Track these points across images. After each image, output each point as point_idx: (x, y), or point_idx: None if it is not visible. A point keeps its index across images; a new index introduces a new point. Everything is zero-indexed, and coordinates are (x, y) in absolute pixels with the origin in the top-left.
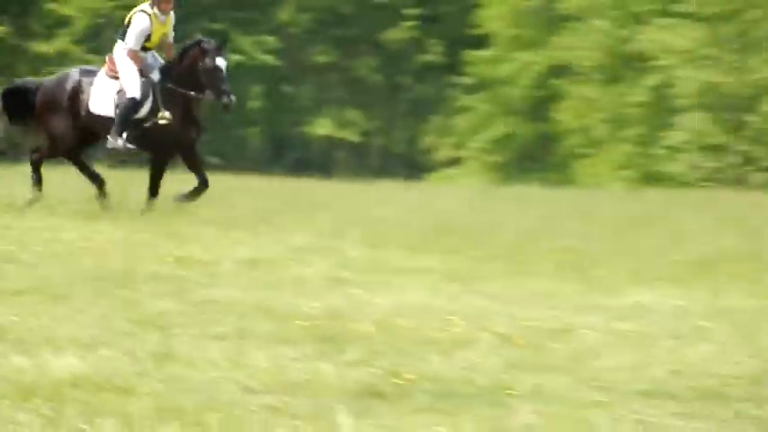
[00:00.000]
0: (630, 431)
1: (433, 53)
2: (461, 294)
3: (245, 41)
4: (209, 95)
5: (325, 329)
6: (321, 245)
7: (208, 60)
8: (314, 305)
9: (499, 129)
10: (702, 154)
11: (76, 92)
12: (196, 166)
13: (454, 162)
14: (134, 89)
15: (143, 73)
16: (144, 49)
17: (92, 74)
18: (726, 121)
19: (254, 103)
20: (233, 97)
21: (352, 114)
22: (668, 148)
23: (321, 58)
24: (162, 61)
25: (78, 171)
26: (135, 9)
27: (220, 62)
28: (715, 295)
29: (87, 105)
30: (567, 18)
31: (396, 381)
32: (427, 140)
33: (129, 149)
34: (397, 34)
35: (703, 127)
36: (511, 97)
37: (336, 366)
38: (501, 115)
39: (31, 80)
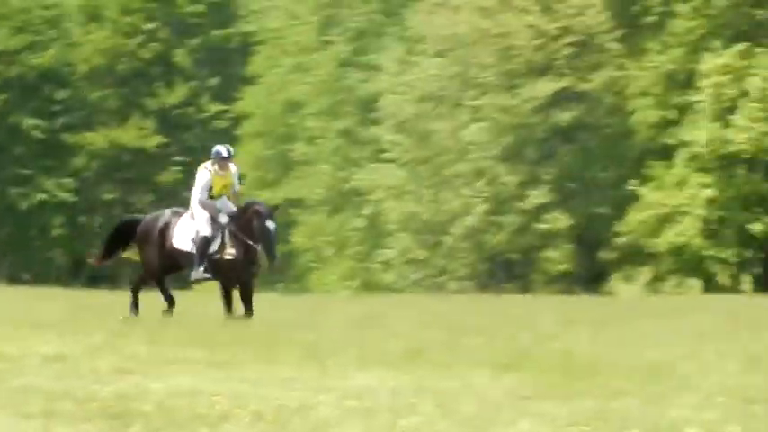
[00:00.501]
0: None
1: None
2: (223, 379)
3: (48, 183)
4: (261, 249)
5: (115, 409)
6: (111, 342)
7: (260, 223)
8: (106, 390)
9: None
10: (408, 267)
11: (166, 229)
12: (247, 298)
13: None
14: (205, 229)
15: (213, 218)
16: (212, 197)
17: (179, 215)
18: (425, 240)
19: (57, 231)
20: (278, 257)
21: None
22: (382, 262)
23: (108, 196)
24: (231, 207)
25: (160, 291)
26: (200, 166)
27: (270, 225)
28: (421, 378)
29: (172, 241)
30: (299, 162)
31: None
32: None
33: (206, 278)
34: (167, 176)
35: (408, 246)
36: None
37: None
38: None
39: (138, 215)
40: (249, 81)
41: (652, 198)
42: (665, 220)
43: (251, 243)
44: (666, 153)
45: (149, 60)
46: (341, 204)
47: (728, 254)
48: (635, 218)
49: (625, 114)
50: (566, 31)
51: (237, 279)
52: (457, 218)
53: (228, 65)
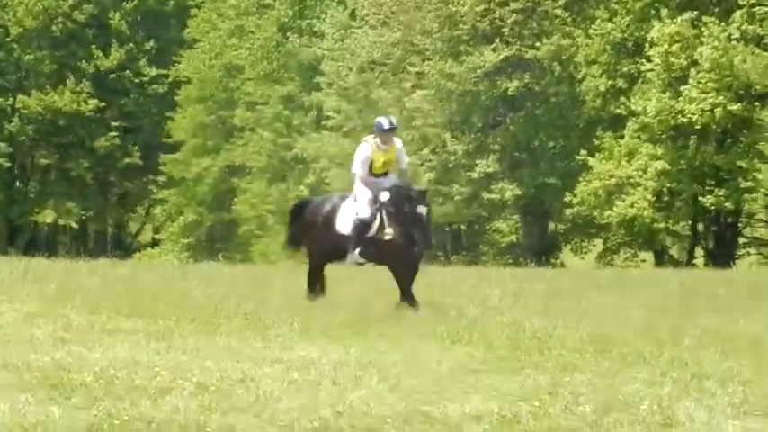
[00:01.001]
0: None
1: (134, 156)
2: (164, 350)
3: None
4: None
5: (54, 379)
6: (48, 311)
7: (412, 208)
8: (44, 359)
9: (190, 216)
10: None
11: (332, 213)
12: (406, 283)
13: (155, 243)
14: (364, 211)
15: (375, 197)
16: (375, 174)
17: (344, 198)
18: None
19: None
20: (432, 242)
21: (72, 205)
22: None
23: (44, 161)
24: (397, 183)
25: (312, 278)
26: (362, 139)
27: (421, 210)
28: (367, 350)
29: (336, 226)
30: (239, 129)
31: (114, 421)
32: (133, 226)
33: (360, 263)
34: (105, 142)
35: None
36: (198, 192)
37: (65, 409)
38: (191, 206)
39: (309, 198)
40: (187, 45)
41: (602, 169)
42: (616, 192)
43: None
44: (616, 123)
45: (84, 23)
46: (283, 172)
47: (680, 226)
48: (585, 189)
49: (573, 83)
50: None
51: (399, 260)
52: None
53: (165, 28)
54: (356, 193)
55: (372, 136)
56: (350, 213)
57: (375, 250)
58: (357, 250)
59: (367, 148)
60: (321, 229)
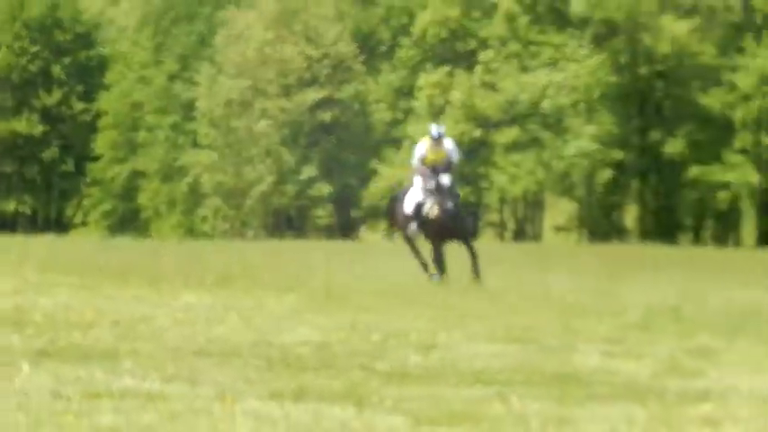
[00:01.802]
0: (186, 374)
1: (69, 165)
2: (90, 297)
3: None
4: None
5: (14, 318)
6: (10, 271)
7: (436, 179)
8: (7, 304)
9: (108, 206)
10: (219, 221)
11: (402, 198)
12: (472, 256)
13: (84, 224)
14: (417, 195)
15: (427, 184)
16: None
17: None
18: (231, 202)
19: None
20: (450, 209)
21: (27, 198)
22: (201, 217)
23: (8, 168)
24: (444, 175)
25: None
26: (421, 139)
27: (444, 180)
28: (228, 298)
29: (404, 207)
30: (142, 145)
31: (56, 346)
32: (69, 212)
33: (417, 234)
34: (49, 155)
35: (219, 205)
36: (113, 188)
37: (22, 338)
38: (108, 198)
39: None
40: (106, 88)
41: (387, 173)
42: (396, 188)
43: (449, 204)
44: (396, 142)
45: (35, 72)
46: (171, 175)
47: None
48: (375, 187)
49: (367, 115)
50: (325, 56)
51: (443, 236)
52: (253, 186)
53: (91, 76)
54: (414, 181)
55: (429, 140)
56: (410, 198)
57: (426, 227)
58: (414, 225)
59: (422, 146)
60: (399, 211)
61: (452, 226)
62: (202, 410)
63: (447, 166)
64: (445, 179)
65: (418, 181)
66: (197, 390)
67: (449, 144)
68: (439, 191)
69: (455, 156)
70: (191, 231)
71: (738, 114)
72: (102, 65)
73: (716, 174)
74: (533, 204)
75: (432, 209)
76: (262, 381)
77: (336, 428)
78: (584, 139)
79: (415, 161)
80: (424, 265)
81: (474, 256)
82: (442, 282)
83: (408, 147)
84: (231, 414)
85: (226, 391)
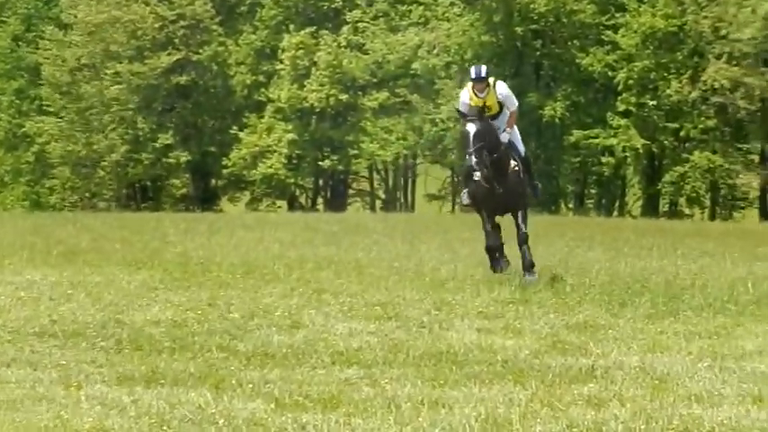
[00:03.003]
0: (27, 358)
1: None
2: None
3: None
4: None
5: None
6: None
7: (462, 128)
8: None
9: None
10: (68, 191)
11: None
12: (515, 220)
13: None
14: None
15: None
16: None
17: None
18: (81, 172)
19: None
20: (473, 160)
21: None
22: (48, 188)
23: None
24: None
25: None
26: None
27: (470, 127)
28: (76, 274)
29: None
30: None
31: None
32: None
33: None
34: None
35: (67, 176)
36: None
37: None
38: None
39: None
40: None
41: (249, 140)
42: (258, 157)
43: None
44: (258, 107)
45: None
46: (16, 144)
47: (306, 181)
48: (236, 155)
49: (227, 78)
50: (179, 16)
51: (490, 203)
52: (105, 155)
53: None
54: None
55: (471, 84)
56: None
57: (475, 193)
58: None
59: (465, 93)
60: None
61: (504, 196)
62: (44, 397)
63: (497, 115)
64: (504, 137)
65: (466, 138)
66: (39, 374)
67: (501, 89)
68: (464, 142)
69: (510, 102)
70: (37, 204)
71: (621, 75)
72: None
73: (598, 138)
74: (405, 172)
75: (476, 173)
76: (110, 364)
77: (192, 415)
78: (458, 102)
79: (462, 108)
80: (492, 252)
81: (522, 238)
82: (507, 273)
83: (270, 112)
84: (76, 400)
85: (70, 376)
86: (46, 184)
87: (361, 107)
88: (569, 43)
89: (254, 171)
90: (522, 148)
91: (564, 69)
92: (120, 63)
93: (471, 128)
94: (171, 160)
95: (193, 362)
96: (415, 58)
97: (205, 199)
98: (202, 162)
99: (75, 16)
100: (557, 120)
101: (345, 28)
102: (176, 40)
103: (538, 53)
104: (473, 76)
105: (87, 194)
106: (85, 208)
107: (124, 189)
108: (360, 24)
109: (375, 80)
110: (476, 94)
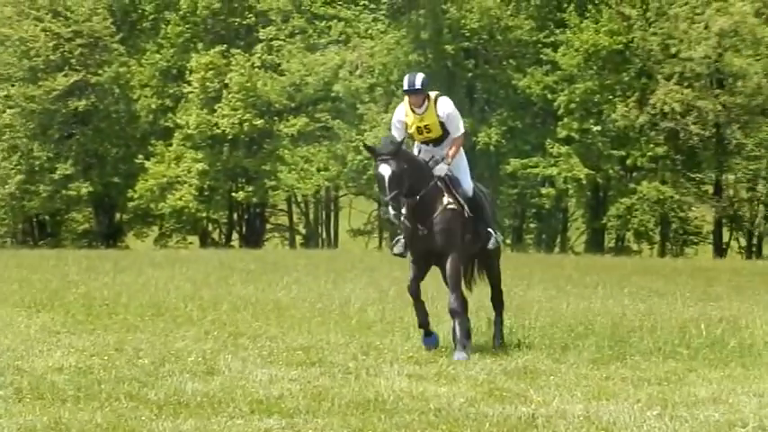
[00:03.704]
0: None
1: None
2: None
3: None
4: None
5: None
6: None
7: (375, 168)
8: None
9: None
10: None
11: None
12: (442, 273)
13: None
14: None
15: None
16: (425, 143)
17: None
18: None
19: None
20: (390, 211)
21: None
22: None
23: None
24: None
25: None
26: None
27: (384, 170)
28: None
29: None
30: None
31: None
32: None
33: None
34: None
35: None
36: None
37: None
38: None
39: None
40: None
41: (156, 170)
42: (167, 188)
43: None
44: (166, 134)
45: None
46: None
47: (219, 215)
48: (143, 186)
49: (130, 102)
50: (76, 34)
51: (415, 245)
52: None
53: None
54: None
55: (407, 98)
56: None
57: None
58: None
59: (400, 109)
60: None
61: (430, 240)
62: None
63: (439, 141)
64: (384, 168)
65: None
66: None
67: (445, 107)
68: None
69: (454, 125)
70: None
71: (561, 98)
72: None
73: (538, 168)
74: (327, 204)
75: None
76: (9, 414)
77: None
78: (382, 129)
79: (393, 130)
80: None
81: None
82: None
83: (178, 139)
84: None
85: None
86: None
87: (278, 134)
88: (505, 63)
89: (162, 204)
90: (469, 183)
91: (499, 92)
92: (13, 85)
93: (385, 171)
94: (71, 192)
95: (100, 411)
96: (335, 79)
97: (109, 234)
98: (105, 194)
99: None
100: (491, 147)
101: (259, 47)
102: (73, 61)
103: (470, 74)
104: (405, 86)
105: None
106: None
107: (20, 224)
108: (274, 43)
109: (293, 104)
110: (413, 110)
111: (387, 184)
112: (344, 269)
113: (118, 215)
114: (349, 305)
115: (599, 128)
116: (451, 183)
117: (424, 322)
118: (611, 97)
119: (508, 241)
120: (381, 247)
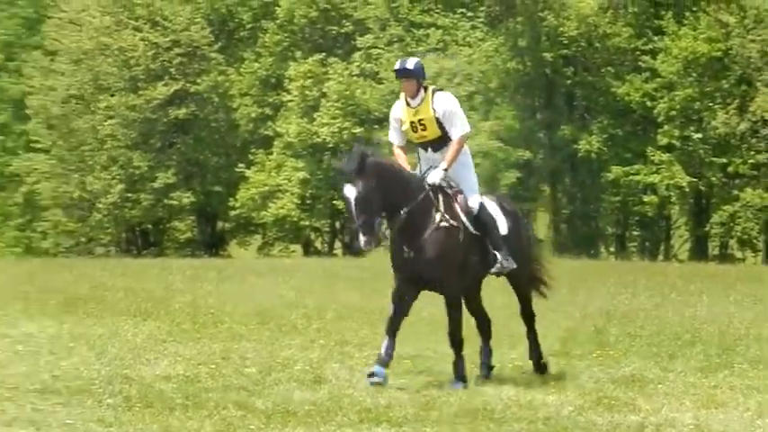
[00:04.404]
0: (29, 417)
1: None
2: None
3: None
4: None
5: None
6: None
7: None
8: None
9: None
10: (61, 236)
11: None
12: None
13: None
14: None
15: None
16: (423, 144)
17: None
18: (75, 214)
19: None
20: (361, 238)
21: None
22: (40, 232)
23: None
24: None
25: None
26: None
27: (349, 192)
28: (76, 326)
29: None
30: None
31: None
32: None
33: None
34: None
35: (60, 219)
36: None
37: None
38: None
39: None
40: None
41: (257, 179)
42: (268, 197)
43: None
44: (266, 142)
45: None
46: (2, 185)
47: (321, 223)
48: (244, 195)
49: (230, 110)
50: (175, 43)
51: (401, 268)
52: (100, 196)
53: None
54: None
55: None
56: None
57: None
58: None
59: (397, 103)
60: None
61: (416, 264)
62: None
63: (439, 144)
64: (350, 191)
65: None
66: None
67: (444, 102)
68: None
69: (453, 122)
70: (29, 249)
71: (661, 106)
72: None
73: (639, 175)
74: None
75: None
76: (119, 423)
77: None
78: (483, 137)
79: (392, 135)
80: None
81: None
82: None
83: (279, 148)
84: None
85: None
86: (38, 228)
87: (378, 142)
88: (603, 70)
89: (263, 213)
90: (475, 196)
91: (599, 99)
92: (112, 95)
93: (350, 193)
94: (173, 201)
95: (209, 420)
96: None
97: (212, 243)
98: (207, 203)
99: (60, 42)
100: (593, 155)
101: (357, 55)
102: (172, 70)
103: (569, 81)
104: (396, 68)
105: (83, 239)
106: (82, 253)
107: (123, 233)
108: (372, 51)
109: None
110: (408, 102)
111: (354, 210)
112: None
113: (220, 224)
114: None
115: (700, 135)
116: (453, 195)
117: (385, 358)
118: (711, 104)
119: (611, 249)
120: None
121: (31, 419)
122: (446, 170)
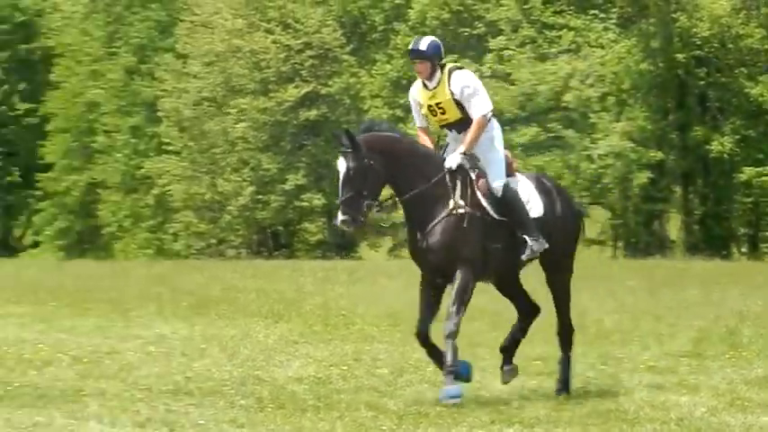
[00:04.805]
0: (162, 417)
1: (14, 175)
2: (46, 330)
3: None
4: None
5: None
6: None
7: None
8: None
9: (62, 223)
10: (192, 237)
11: None
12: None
13: (36, 245)
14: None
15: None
16: (447, 126)
17: None
18: (206, 216)
19: None
20: (339, 216)
21: None
22: (172, 234)
23: None
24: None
25: None
26: None
27: (340, 165)
28: (208, 327)
29: None
30: (98, 152)
31: (7, 388)
32: (16, 231)
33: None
34: None
35: (191, 220)
36: (68, 203)
37: None
38: (63, 214)
39: None
40: (53, 86)
41: None
42: None
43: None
44: None
45: None
46: (134, 186)
47: None
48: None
49: (361, 113)
50: (306, 45)
51: (417, 256)
52: (230, 198)
53: (35, 72)
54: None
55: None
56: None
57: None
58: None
59: (413, 89)
60: None
61: (428, 253)
62: None
63: (463, 125)
64: (341, 164)
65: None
66: None
67: (462, 80)
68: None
69: (473, 104)
70: (161, 251)
71: None
72: (47, 59)
73: None
74: None
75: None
76: (251, 424)
77: None
78: (615, 137)
79: (415, 116)
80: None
81: (448, 329)
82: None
83: None
84: None
85: None
86: (169, 230)
87: (510, 143)
88: (736, 71)
89: (394, 214)
90: (499, 179)
91: (732, 100)
92: (244, 98)
93: (340, 166)
94: (304, 203)
95: (340, 421)
96: (566, 88)
97: (343, 245)
98: (337, 205)
99: (193, 45)
100: (725, 156)
101: (489, 56)
102: (303, 72)
103: (702, 82)
104: (409, 47)
105: (214, 240)
106: (213, 255)
107: (254, 234)
108: (505, 52)
109: (524, 113)
110: (425, 84)
111: (340, 184)
112: (580, 277)
113: None
114: (586, 315)
115: None
116: (476, 178)
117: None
118: None
119: (743, 250)
120: (616, 255)
121: (164, 420)
122: (464, 154)
